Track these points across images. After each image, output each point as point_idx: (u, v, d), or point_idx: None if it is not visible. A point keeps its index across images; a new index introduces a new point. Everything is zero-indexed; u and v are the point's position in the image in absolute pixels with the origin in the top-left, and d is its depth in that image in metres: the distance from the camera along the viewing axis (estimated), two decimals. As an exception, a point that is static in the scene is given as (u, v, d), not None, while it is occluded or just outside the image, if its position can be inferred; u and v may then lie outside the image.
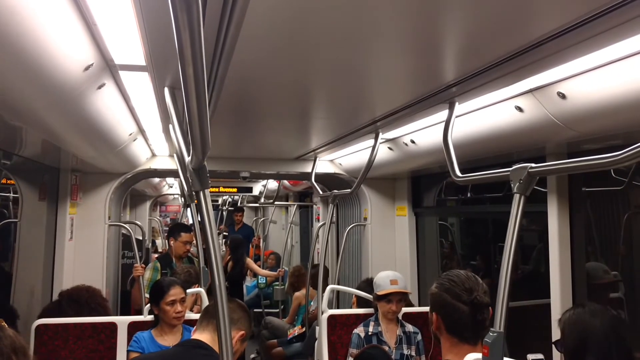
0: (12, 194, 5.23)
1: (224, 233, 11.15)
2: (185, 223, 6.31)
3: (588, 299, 3.10)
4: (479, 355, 1.63)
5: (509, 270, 1.61)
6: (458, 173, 2.39)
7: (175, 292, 3.28)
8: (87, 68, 2.04)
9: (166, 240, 10.73)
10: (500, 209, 4.25)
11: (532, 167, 1.66)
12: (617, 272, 3.36)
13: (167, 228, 13.06)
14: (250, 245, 9.66)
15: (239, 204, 11.83)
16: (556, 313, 3.06)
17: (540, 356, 2.36)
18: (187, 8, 0.88)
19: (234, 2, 1.45)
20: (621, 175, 3.21)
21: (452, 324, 1.97)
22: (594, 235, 3.40)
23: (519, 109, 2.48)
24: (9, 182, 4.99)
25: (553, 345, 2.38)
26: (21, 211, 4.63)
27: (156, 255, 7.25)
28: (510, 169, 1.72)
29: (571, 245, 3.10)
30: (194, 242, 5.14)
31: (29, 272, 4.60)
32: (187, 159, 1.55)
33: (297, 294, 6.67)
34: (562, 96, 2.20)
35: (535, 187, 1.69)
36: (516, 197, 1.67)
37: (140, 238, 6.06)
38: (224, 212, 11.81)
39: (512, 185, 1.69)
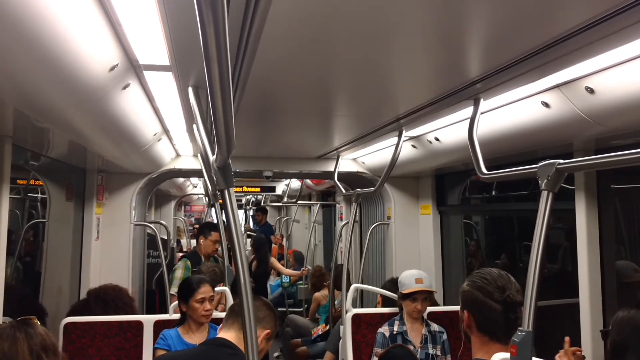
0: (40, 195, 5.33)
1: (248, 232, 11.25)
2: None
3: (618, 298, 3.03)
4: (508, 355, 1.60)
5: (538, 269, 1.58)
6: (484, 170, 2.37)
7: (205, 290, 3.30)
8: (112, 68, 2.06)
9: (191, 240, 10.90)
10: (525, 206, 4.20)
11: (560, 163, 1.62)
12: (647, 271, 3.29)
13: (192, 228, 13.23)
14: (273, 244, 9.76)
15: (262, 204, 11.94)
16: (585, 312, 3.01)
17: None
18: (212, 5, 0.88)
19: (256, 1, 1.45)
20: (651, 172, 3.14)
21: (483, 322, 1.95)
22: (623, 233, 3.33)
23: (546, 104, 2.44)
24: (37, 183, 5.09)
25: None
26: (49, 211, 4.71)
27: (181, 255, 7.33)
28: (537, 165, 1.69)
29: (600, 243, 3.05)
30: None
31: (57, 271, 4.68)
32: (212, 157, 1.56)
33: (316, 294, 6.66)
34: (591, 91, 2.16)
35: (562, 184, 1.65)
36: (544, 194, 1.64)
37: (165, 238, 6.12)
38: (247, 212, 11.90)
39: (539, 182, 1.66)
